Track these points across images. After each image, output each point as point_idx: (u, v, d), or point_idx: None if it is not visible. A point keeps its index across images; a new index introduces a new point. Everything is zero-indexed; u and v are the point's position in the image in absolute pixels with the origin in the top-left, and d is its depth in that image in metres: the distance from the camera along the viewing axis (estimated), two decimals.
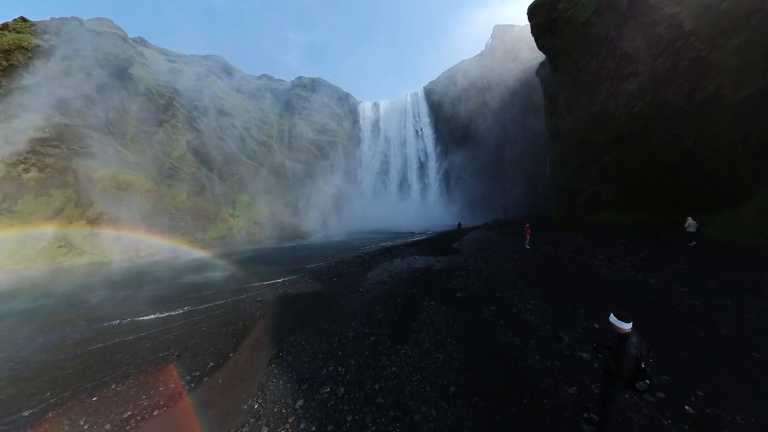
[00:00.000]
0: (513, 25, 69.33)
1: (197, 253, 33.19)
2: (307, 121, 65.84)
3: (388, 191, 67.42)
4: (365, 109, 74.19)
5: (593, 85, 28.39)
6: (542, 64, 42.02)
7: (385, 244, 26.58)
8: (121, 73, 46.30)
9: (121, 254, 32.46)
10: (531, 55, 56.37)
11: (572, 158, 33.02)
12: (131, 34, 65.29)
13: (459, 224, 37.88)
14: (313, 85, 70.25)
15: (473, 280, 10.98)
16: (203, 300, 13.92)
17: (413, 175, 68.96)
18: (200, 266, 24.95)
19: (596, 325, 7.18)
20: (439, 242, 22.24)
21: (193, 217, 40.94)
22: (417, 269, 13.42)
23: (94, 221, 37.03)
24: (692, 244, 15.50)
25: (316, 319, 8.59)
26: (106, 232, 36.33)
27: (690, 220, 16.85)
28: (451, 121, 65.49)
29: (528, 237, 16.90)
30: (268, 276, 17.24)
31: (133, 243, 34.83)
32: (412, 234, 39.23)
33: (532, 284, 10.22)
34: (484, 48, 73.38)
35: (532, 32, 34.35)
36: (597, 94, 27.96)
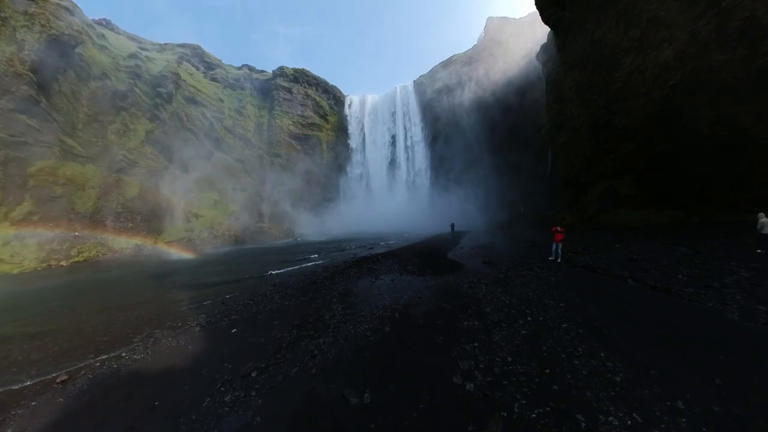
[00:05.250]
0: (507, 17, 64.08)
1: (131, 259, 26.38)
2: (288, 113, 58.97)
3: (374, 190, 61.07)
4: (352, 102, 67.70)
5: (612, 58, 22.72)
6: (543, 48, 36.50)
7: (361, 251, 20.40)
8: (67, 52, 38.84)
9: (41, 261, 25.42)
10: (527, 45, 51.22)
11: (582, 148, 27.42)
12: (123, 27, 57.88)
13: (452, 225, 32.00)
14: (296, 76, 63.35)
15: (503, 348, 4.91)
16: None
17: (401, 173, 62.91)
18: (88, 285, 18.00)
19: None
20: (429, 251, 16.18)
21: (145, 217, 33.96)
22: (391, 310, 7.27)
23: (20, 222, 29.73)
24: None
25: None
26: (36, 235, 29.14)
27: (764, 219, 11.55)
28: (442, 116, 59.80)
29: (559, 245, 10.98)
30: (139, 317, 10.62)
31: (63, 248, 27.76)
32: (398, 237, 33.14)
33: (635, 361, 4.27)
34: (476, 42, 68.15)
35: (536, 5, 28.62)
36: (617, 68, 22.31)
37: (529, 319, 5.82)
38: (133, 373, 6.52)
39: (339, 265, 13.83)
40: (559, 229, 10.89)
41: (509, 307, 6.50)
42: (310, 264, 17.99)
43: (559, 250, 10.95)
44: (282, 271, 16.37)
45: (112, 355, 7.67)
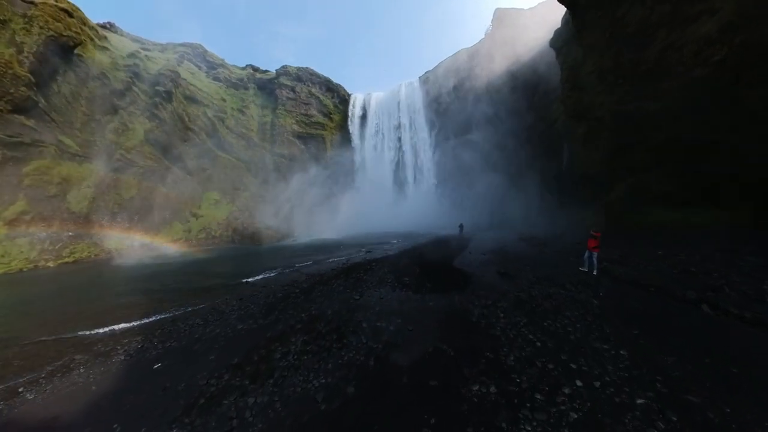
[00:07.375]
0: (516, 8, 60.98)
1: (122, 260, 24.97)
2: (291, 113, 57.43)
3: (379, 190, 58.86)
4: (356, 101, 65.69)
5: (640, 36, 19.81)
6: (558, 32, 33.55)
7: (356, 256, 18.30)
8: (66, 53, 38.22)
9: (30, 262, 24.34)
10: (537, 35, 48.17)
11: (603, 140, 24.56)
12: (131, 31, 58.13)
13: (461, 226, 29.51)
14: (299, 75, 61.79)
15: None
16: None
17: (408, 171, 60.58)
18: (59, 291, 16.41)
19: None
20: (433, 256, 13.96)
21: (143, 217, 32.80)
22: (366, 352, 5.17)
23: (12, 222, 28.92)
24: None
25: None
26: (28, 234, 28.26)
27: None
28: (448, 113, 57.22)
29: (594, 254, 8.60)
30: (74, 339, 8.85)
31: (55, 249, 26.70)
32: (401, 239, 30.93)
33: None
34: (483, 36, 65.28)
35: None
36: (647, 46, 19.41)
37: (578, 384, 3.57)
38: (7, 423, 4.77)
39: (325, 273, 11.78)
40: (595, 233, 8.49)
41: (543, 356, 4.26)
42: (295, 270, 15.99)
43: (594, 260, 8.57)
44: (261, 277, 14.44)
45: (9, 387, 5.98)
